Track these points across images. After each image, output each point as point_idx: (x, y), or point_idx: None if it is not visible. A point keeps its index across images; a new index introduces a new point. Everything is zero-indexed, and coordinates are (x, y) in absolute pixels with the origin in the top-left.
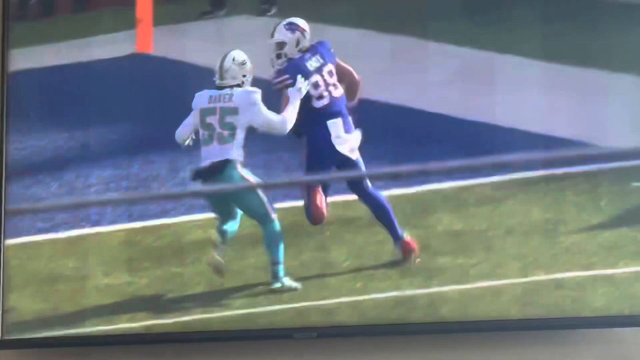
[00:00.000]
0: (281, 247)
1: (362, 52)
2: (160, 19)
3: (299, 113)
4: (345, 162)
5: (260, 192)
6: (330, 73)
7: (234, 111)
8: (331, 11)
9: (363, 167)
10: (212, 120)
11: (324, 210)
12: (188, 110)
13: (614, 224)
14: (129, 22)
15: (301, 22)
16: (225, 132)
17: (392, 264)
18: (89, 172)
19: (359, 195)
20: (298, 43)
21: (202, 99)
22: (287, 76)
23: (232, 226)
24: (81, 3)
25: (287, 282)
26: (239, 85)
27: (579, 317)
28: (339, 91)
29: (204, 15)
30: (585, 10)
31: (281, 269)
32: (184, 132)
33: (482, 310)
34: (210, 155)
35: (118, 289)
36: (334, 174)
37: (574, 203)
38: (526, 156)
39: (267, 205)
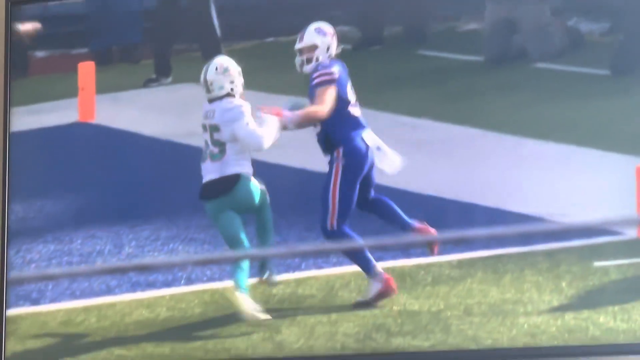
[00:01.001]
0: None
1: None
2: (103, 87)
3: (334, 120)
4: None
5: (254, 182)
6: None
7: (217, 128)
8: (281, 81)
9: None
10: (206, 137)
11: None
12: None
13: (575, 306)
14: (72, 89)
15: (331, 28)
16: (215, 149)
17: (345, 347)
18: (29, 247)
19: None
20: (329, 48)
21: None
22: (332, 71)
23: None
24: (22, 68)
25: None
26: (229, 95)
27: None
28: None
29: (149, 83)
30: (544, 82)
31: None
32: None
33: None
34: (206, 172)
35: None
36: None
37: (534, 283)
38: (484, 232)
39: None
